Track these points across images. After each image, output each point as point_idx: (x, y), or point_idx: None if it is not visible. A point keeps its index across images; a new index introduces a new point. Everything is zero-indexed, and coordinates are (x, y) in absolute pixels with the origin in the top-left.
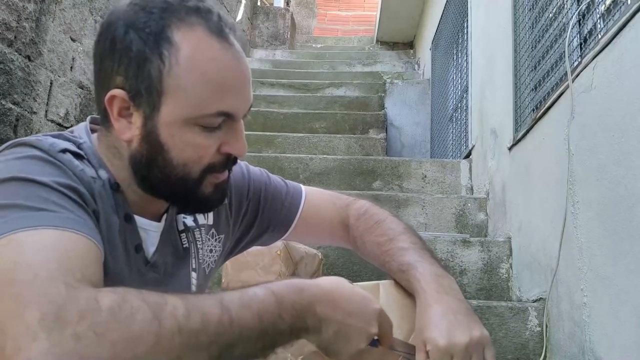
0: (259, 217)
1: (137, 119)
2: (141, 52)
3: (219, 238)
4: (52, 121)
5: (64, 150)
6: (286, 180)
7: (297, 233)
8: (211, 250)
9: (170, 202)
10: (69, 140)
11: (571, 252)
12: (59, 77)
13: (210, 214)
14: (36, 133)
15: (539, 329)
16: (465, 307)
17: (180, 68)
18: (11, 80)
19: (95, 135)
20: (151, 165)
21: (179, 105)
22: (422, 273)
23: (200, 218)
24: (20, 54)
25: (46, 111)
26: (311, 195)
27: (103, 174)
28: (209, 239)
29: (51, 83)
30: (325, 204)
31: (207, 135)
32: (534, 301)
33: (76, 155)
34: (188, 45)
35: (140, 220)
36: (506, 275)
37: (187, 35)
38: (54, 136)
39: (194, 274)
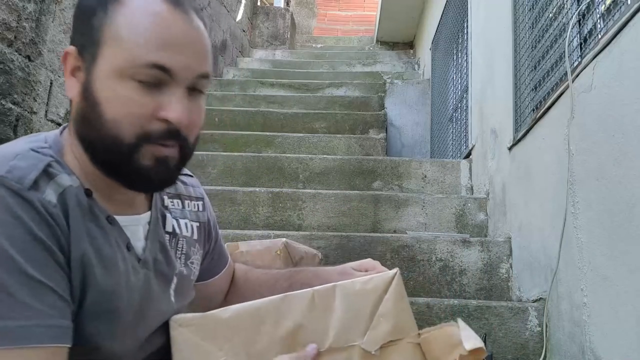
0: (211, 250)
1: (80, 75)
2: (91, 7)
3: (200, 253)
4: (52, 121)
5: (35, 183)
6: None
7: (211, 287)
8: (193, 263)
9: (110, 174)
10: (40, 148)
11: (571, 252)
12: (59, 77)
13: (195, 229)
14: (36, 133)
15: (539, 329)
16: None
17: (121, 19)
18: (11, 80)
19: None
20: (86, 122)
21: (112, 55)
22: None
23: (184, 229)
24: (20, 54)
25: (46, 111)
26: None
27: (75, 180)
28: (195, 253)
29: (51, 83)
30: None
31: (142, 93)
32: (534, 301)
33: (48, 169)
34: (136, 1)
35: (119, 219)
36: (506, 275)
37: None
38: (32, 148)
39: (175, 279)
